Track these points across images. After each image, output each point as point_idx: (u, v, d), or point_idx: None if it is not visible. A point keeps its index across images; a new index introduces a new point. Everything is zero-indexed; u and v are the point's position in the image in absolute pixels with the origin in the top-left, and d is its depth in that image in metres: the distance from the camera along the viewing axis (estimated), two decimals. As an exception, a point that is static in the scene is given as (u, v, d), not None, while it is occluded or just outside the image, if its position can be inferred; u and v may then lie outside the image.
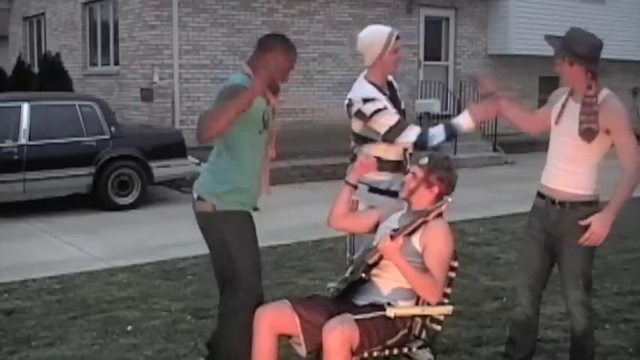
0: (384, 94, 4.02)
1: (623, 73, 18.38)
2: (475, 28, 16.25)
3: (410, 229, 3.23)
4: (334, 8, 14.09)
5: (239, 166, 3.50)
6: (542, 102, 15.13)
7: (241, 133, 3.44)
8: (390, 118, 3.89)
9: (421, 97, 15.31)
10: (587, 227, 3.54)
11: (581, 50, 3.46)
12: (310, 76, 13.82)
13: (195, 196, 3.56)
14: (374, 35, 4.03)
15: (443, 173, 3.43)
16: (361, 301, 3.40)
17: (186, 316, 5.06)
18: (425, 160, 3.47)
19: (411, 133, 3.87)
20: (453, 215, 3.58)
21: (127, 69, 13.33)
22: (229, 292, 3.56)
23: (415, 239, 3.33)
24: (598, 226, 3.47)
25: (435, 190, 3.41)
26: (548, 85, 18.19)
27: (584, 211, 3.56)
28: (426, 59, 15.66)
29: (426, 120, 13.08)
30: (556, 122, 3.66)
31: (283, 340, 3.37)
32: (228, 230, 3.50)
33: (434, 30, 15.95)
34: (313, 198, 9.78)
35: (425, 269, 3.27)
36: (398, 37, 4.04)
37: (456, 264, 3.47)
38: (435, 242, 3.30)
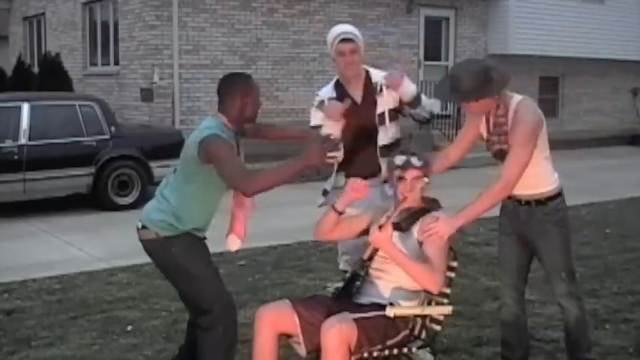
0: (345, 96, 3.93)
1: (623, 73, 18.35)
2: (475, 28, 16.23)
3: (394, 214, 3.28)
4: (334, 8, 14.08)
5: (193, 203, 3.43)
6: (542, 101, 15.07)
7: (202, 170, 3.36)
8: None
9: (421, 98, 15.28)
10: (556, 224, 3.56)
11: (475, 82, 3.29)
12: (310, 76, 13.80)
13: (140, 225, 3.50)
14: (329, 34, 3.96)
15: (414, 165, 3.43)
16: (363, 301, 3.40)
17: (186, 316, 5.04)
18: (399, 161, 3.46)
19: None
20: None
21: (127, 69, 13.32)
22: (201, 312, 3.52)
23: (415, 230, 3.35)
24: (443, 225, 3.26)
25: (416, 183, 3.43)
26: (549, 85, 18.18)
27: (551, 205, 3.58)
28: (426, 59, 15.63)
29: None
30: (487, 137, 3.59)
31: (283, 340, 3.37)
32: (176, 253, 3.43)
33: (434, 30, 15.93)
34: (313, 198, 9.74)
35: (425, 260, 3.28)
36: (346, 40, 3.82)
37: (455, 264, 3.47)
38: None
